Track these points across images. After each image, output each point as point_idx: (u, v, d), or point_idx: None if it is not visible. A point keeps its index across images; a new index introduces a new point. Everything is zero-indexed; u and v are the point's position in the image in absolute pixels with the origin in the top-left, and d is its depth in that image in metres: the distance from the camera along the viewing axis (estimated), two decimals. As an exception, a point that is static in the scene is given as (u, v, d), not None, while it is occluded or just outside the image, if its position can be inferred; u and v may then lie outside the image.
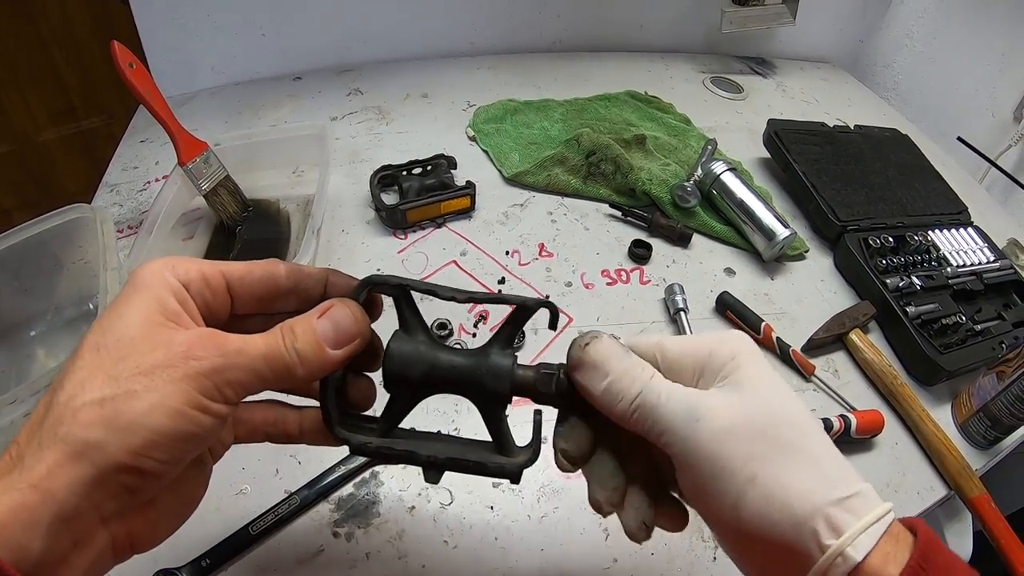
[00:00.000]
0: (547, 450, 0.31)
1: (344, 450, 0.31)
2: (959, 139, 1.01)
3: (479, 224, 0.74)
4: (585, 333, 0.30)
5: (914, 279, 0.69)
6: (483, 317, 0.63)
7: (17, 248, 0.56)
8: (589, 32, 1.11)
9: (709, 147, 0.85)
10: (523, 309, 0.31)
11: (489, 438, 0.32)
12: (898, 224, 0.77)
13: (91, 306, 0.61)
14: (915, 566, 0.23)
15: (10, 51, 1.23)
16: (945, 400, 0.63)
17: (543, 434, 0.32)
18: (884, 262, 0.71)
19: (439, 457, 0.31)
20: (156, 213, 0.61)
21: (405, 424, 0.32)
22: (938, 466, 0.56)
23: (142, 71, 0.59)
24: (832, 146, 0.85)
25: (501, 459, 0.31)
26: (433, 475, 0.31)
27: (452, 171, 0.79)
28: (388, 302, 0.31)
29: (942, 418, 0.60)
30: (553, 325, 0.32)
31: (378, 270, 0.66)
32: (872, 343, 0.64)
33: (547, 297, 0.66)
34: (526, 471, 0.31)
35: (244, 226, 0.70)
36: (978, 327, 0.66)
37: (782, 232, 0.70)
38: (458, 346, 0.59)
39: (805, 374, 0.62)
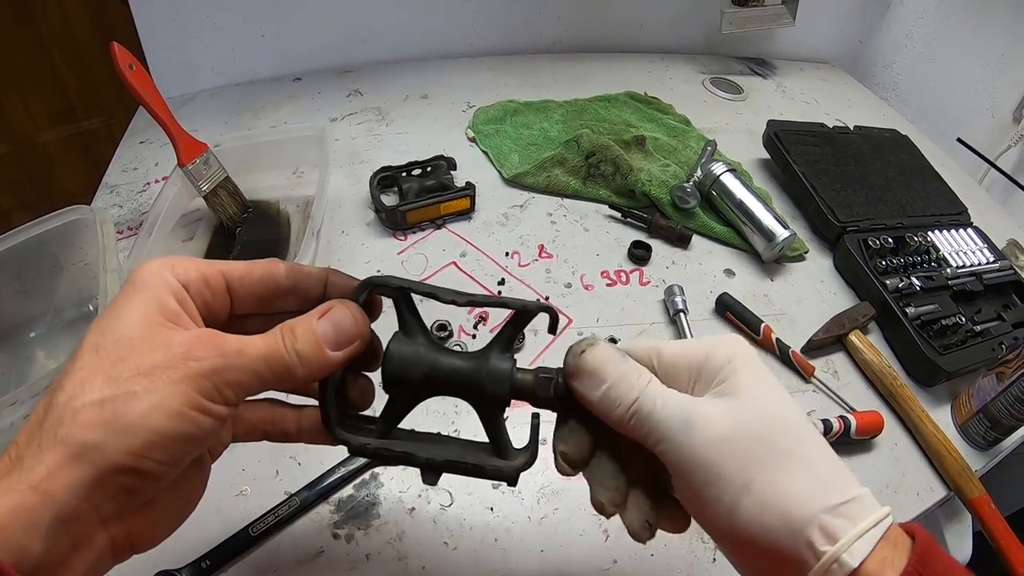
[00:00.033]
0: (547, 452, 0.31)
1: (344, 451, 0.31)
2: (959, 140, 1.01)
3: (479, 225, 0.74)
4: (581, 339, 0.30)
5: (914, 280, 0.69)
6: (483, 319, 0.63)
7: (17, 249, 0.56)
8: (589, 33, 1.11)
9: (709, 148, 0.85)
10: (523, 313, 0.31)
11: (487, 440, 0.32)
12: (898, 225, 0.77)
13: (91, 307, 0.61)
14: (913, 571, 0.23)
15: (10, 52, 1.23)
16: (945, 401, 0.63)
17: (541, 436, 0.32)
18: (884, 263, 0.71)
19: (437, 459, 0.31)
20: (156, 214, 0.61)
21: (404, 425, 0.32)
22: (938, 467, 0.56)
23: (142, 72, 0.59)
24: (832, 147, 0.85)
25: (499, 462, 0.31)
26: (431, 477, 0.31)
27: (452, 172, 0.79)
28: (388, 303, 0.31)
29: (942, 419, 0.60)
30: (553, 329, 0.32)
31: (378, 271, 0.66)
32: (872, 344, 0.64)
33: (547, 299, 0.66)
34: (526, 473, 0.31)
35: (244, 227, 0.70)
36: (978, 328, 0.66)
37: (782, 233, 0.70)
38: (458, 347, 0.59)
39: (805, 375, 0.62)
